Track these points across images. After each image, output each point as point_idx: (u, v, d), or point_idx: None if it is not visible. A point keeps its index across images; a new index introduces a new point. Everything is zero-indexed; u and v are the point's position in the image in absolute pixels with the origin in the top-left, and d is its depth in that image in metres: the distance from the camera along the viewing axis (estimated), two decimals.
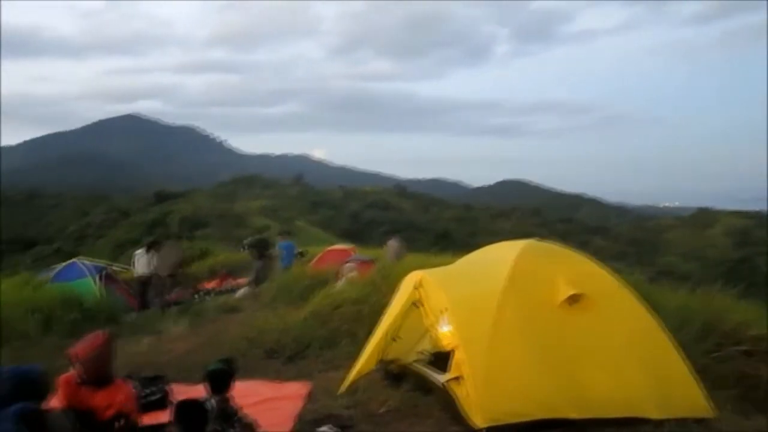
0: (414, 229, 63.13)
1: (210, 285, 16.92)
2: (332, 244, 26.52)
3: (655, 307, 5.80)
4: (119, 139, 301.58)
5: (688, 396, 5.15)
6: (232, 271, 18.63)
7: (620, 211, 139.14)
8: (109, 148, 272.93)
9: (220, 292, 14.86)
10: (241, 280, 16.21)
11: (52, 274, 12.87)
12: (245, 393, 5.64)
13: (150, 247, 14.86)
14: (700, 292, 7.63)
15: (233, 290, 14.94)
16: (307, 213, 68.57)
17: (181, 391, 6.12)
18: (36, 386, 3.16)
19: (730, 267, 49.23)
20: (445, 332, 5.74)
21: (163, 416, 5.25)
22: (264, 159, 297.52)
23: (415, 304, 6.08)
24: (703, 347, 6.23)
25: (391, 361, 6.39)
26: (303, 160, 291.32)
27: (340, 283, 11.08)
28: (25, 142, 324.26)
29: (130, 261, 15.67)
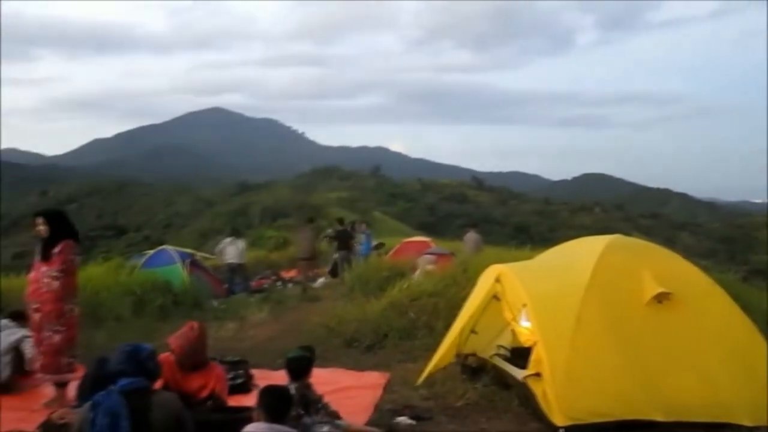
0: (491, 223, 62.60)
1: (290, 274, 17.33)
2: (408, 236, 26.68)
3: (747, 307, 5.58)
4: (205, 131, 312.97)
5: None
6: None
7: (711, 207, 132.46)
8: (195, 140, 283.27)
9: (299, 282, 15.17)
10: (319, 270, 16.54)
11: (143, 259, 13.47)
12: (324, 381, 5.77)
13: (232, 235, 15.48)
14: None
15: (312, 280, 15.24)
16: (384, 204, 69.13)
17: (262, 377, 6.34)
18: (145, 365, 3.31)
19: None
20: (525, 328, 5.68)
21: (246, 399, 5.46)
22: (342, 151, 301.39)
23: (495, 297, 6.04)
24: None
25: (469, 355, 6.37)
26: (381, 152, 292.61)
27: (417, 275, 11.13)
28: (119, 134, 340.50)
29: (214, 249, 16.18)
